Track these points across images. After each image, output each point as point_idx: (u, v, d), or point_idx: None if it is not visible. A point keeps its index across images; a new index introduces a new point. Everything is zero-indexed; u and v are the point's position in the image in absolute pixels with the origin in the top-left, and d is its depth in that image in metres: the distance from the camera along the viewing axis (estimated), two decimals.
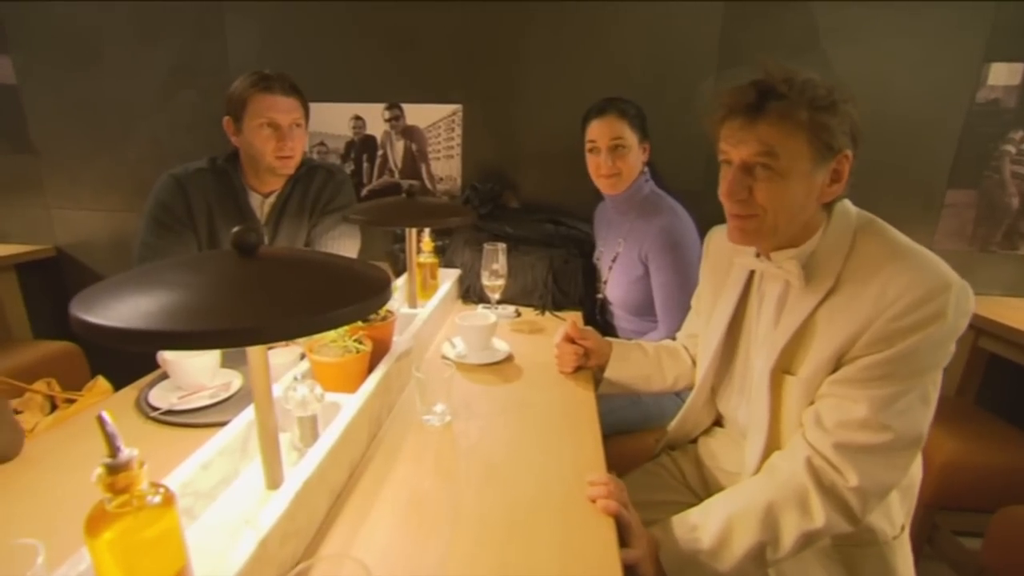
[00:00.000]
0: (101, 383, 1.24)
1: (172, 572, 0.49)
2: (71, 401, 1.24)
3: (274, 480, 0.66)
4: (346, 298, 0.54)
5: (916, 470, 0.90)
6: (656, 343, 1.22)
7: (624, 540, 0.75)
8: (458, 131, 1.90)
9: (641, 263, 1.46)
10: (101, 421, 0.44)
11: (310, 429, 0.76)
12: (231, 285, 0.53)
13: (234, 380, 1.02)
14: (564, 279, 1.57)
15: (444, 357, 1.19)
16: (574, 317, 1.51)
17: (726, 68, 1.77)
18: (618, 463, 1.00)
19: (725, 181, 0.81)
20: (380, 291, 0.57)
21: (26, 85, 2.11)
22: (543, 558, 0.65)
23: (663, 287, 1.43)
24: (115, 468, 0.44)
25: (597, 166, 1.47)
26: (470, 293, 1.62)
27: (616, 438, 1.31)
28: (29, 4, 2.02)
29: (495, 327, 1.21)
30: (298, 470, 0.67)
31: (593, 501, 0.75)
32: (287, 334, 0.48)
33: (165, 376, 1.05)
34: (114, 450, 0.44)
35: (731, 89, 0.79)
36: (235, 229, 0.56)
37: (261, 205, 1.46)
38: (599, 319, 1.63)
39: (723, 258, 1.02)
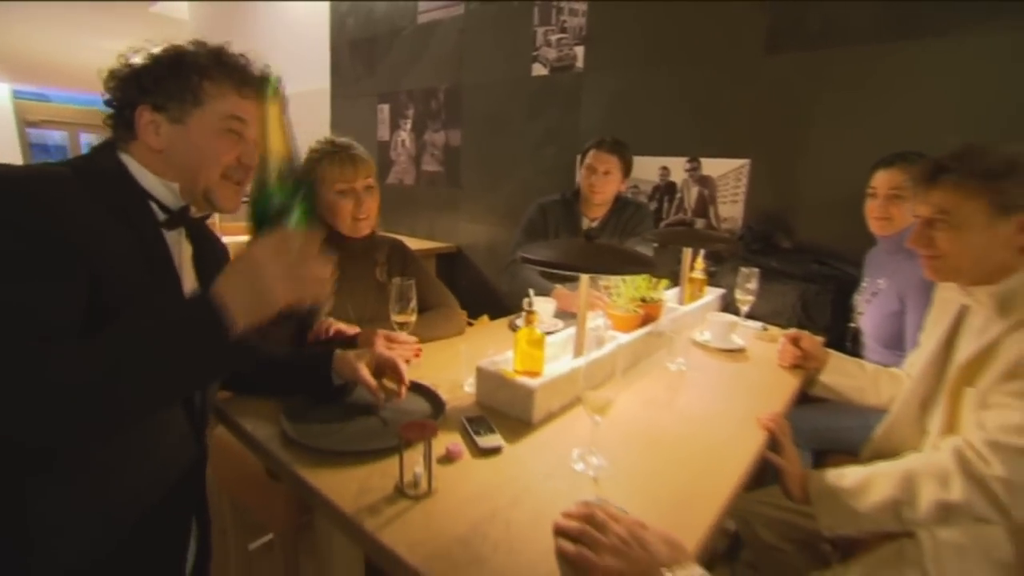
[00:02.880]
0: (485, 318, 2.12)
1: (541, 369, 1.13)
2: (470, 324, 2.13)
3: (578, 353, 1.27)
4: (634, 264, 1.11)
5: None
6: (878, 365, 1.42)
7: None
8: (744, 180, 2.30)
9: (898, 299, 1.62)
10: (529, 299, 1.12)
11: (598, 343, 1.34)
12: (584, 252, 1.16)
13: (559, 324, 1.70)
14: (813, 307, 1.83)
15: (693, 341, 1.65)
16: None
17: None
18: None
19: (913, 232, 1.09)
20: (650, 264, 1.13)
21: (464, 146, 3.42)
22: (699, 450, 1.06)
23: (916, 325, 1.56)
24: (530, 312, 1.10)
25: (872, 209, 1.71)
26: (728, 310, 2.00)
27: (840, 458, 1.51)
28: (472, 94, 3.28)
29: (736, 325, 1.62)
30: (590, 354, 1.26)
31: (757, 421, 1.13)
32: (606, 271, 1.08)
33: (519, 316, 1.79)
34: (529, 304, 1.10)
35: (919, 164, 1.07)
36: (586, 230, 1.20)
37: (588, 226, 2.18)
38: (849, 347, 1.82)
39: (947, 298, 1.22)
